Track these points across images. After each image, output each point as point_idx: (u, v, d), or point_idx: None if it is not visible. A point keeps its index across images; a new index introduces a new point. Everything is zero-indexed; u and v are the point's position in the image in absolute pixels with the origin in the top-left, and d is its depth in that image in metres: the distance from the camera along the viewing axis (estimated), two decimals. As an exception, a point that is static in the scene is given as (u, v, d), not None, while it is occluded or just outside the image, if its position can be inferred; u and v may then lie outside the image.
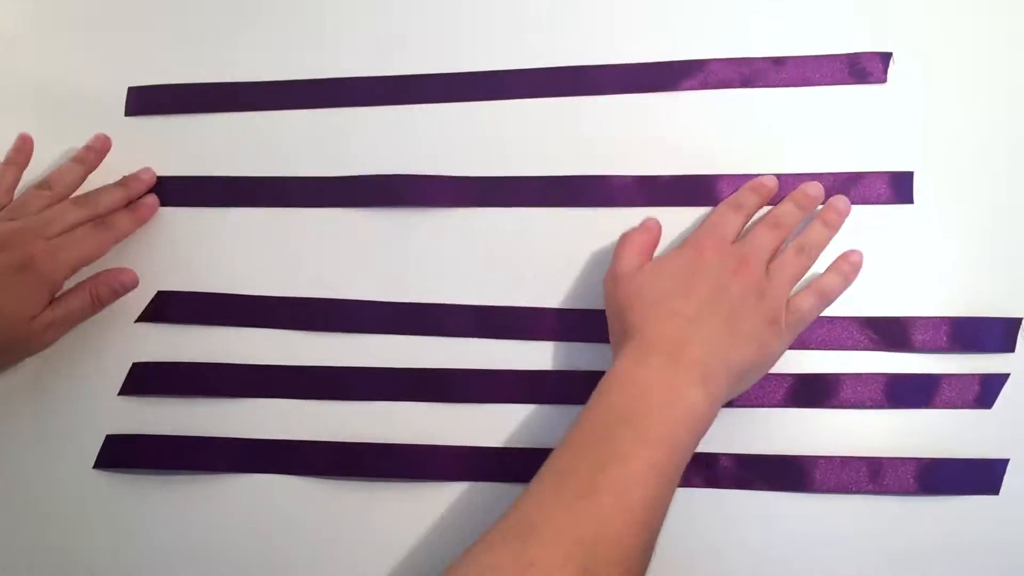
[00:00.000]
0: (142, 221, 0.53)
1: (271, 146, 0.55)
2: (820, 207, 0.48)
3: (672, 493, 0.38)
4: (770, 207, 0.49)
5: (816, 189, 0.47)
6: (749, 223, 0.48)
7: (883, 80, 0.51)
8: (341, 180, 0.54)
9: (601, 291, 0.48)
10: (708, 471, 0.46)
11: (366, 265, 0.52)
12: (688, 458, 0.39)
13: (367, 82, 0.55)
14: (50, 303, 0.48)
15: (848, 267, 0.45)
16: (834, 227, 0.46)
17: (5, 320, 0.47)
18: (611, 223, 0.50)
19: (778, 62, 0.52)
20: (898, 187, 0.49)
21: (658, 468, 0.37)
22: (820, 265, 0.46)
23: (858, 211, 0.48)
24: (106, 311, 0.52)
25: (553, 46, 0.54)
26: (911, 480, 0.44)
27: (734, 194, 0.48)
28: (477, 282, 0.51)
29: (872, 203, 0.49)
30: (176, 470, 0.49)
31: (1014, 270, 0.48)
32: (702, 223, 0.47)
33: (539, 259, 0.51)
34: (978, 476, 0.44)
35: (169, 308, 0.52)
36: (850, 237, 0.47)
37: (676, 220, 0.50)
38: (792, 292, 0.44)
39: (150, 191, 0.55)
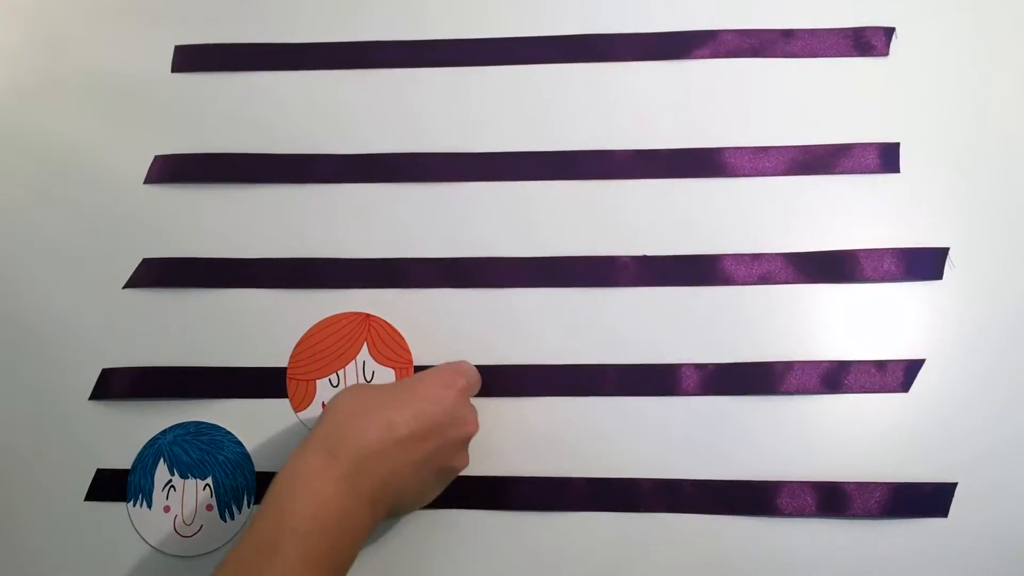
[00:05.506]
0: None
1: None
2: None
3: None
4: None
5: None
6: None
7: (885, 53, 0.55)
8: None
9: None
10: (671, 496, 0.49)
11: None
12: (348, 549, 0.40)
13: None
14: None
15: None
16: None
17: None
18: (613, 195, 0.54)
19: (787, 34, 0.56)
20: (886, 157, 0.53)
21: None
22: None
23: (848, 179, 0.53)
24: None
25: (566, 14, 0.57)
26: (874, 505, 0.47)
27: None
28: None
29: (861, 172, 0.53)
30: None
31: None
32: None
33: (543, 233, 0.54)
34: (929, 500, 0.48)
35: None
36: (842, 203, 0.53)
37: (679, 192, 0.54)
38: None
39: None
